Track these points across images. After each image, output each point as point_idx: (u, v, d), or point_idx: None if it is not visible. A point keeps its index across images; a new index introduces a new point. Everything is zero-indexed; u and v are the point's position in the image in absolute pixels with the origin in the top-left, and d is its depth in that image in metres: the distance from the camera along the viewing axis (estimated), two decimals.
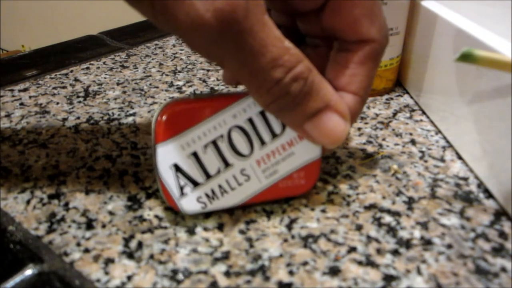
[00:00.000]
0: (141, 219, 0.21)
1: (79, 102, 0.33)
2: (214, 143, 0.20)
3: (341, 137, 0.19)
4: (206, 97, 0.20)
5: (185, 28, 0.16)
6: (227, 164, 0.20)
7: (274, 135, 0.20)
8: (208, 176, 0.20)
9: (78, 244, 0.20)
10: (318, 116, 0.19)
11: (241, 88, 0.34)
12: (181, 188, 0.20)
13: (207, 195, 0.20)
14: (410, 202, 0.22)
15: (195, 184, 0.20)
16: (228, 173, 0.20)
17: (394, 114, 0.31)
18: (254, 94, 0.18)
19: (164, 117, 0.19)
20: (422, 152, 0.26)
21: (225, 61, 0.17)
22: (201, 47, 0.17)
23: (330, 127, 0.19)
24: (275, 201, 0.22)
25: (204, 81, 0.37)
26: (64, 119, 0.30)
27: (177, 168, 0.19)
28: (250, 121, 0.20)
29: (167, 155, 0.19)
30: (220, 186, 0.20)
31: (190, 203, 0.20)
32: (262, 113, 0.20)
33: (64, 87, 0.36)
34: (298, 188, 0.21)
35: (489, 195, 0.22)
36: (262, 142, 0.20)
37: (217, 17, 0.15)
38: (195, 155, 0.20)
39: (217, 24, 0.16)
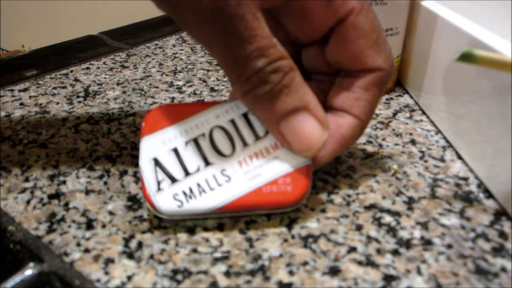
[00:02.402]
0: (141, 219, 0.21)
1: (79, 102, 0.33)
2: (195, 140, 0.20)
3: (316, 144, 0.19)
4: (191, 102, 0.21)
5: (180, 4, 0.16)
6: (207, 163, 0.20)
7: (257, 137, 0.20)
8: (187, 173, 0.20)
9: (78, 244, 0.20)
10: (294, 116, 0.19)
11: None
12: (159, 183, 0.19)
13: (184, 193, 0.19)
14: (410, 202, 0.22)
15: (173, 180, 0.19)
16: (208, 172, 0.20)
17: (394, 114, 0.31)
18: (234, 82, 0.18)
19: (150, 115, 0.20)
20: (422, 152, 0.26)
21: (213, 44, 0.17)
22: (193, 25, 0.17)
23: (306, 130, 0.19)
24: (263, 216, 0.21)
25: (204, 81, 0.37)
26: (64, 119, 0.30)
27: (157, 162, 0.20)
28: (233, 122, 0.20)
29: (148, 149, 0.20)
30: (198, 185, 0.20)
31: (166, 199, 0.19)
32: (245, 116, 0.20)
33: (64, 87, 0.36)
34: (284, 195, 0.20)
35: (489, 195, 0.22)
36: (245, 144, 0.20)
37: None
38: (175, 151, 0.20)
39: (211, 3, 0.16)
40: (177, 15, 0.17)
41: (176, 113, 0.20)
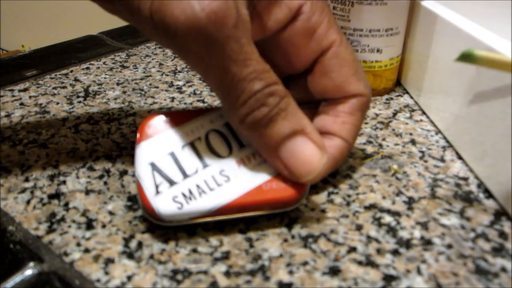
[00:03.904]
0: (141, 219, 0.21)
1: (79, 102, 0.33)
2: (191, 144, 0.20)
3: (317, 167, 0.19)
4: (186, 110, 0.21)
5: (179, 26, 0.16)
6: (205, 165, 0.20)
7: None
8: (185, 175, 0.19)
9: (78, 244, 0.20)
10: (293, 140, 0.19)
11: None
12: (157, 187, 0.19)
13: (183, 195, 0.19)
14: (410, 202, 0.22)
15: (172, 182, 0.19)
16: (207, 173, 0.20)
17: (394, 114, 0.31)
18: (231, 107, 0.18)
19: (145, 121, 0.21)
20: (422, 152, 0.26)
21: (210, 67, 0.18)
22: (189, 49, 0.17)
23: (306, 154, 0.19)
24: (263, 216, 0.21)
25: (204, 81, 0.36)
26: (64, 119, 0.30)
27: (154, 167, 0.20)
28: (227, 125, 0.21)
29: (145, 155, 0.20)
30: (198, 186, 0.19)
31: (165, 202, 0.19)
32: None
33: (64, 87, 0.36)
34: (285, 191, 0.19)
35: (489, 195, 0.22)
36: (241, 145, 0.20)
37: (210, 18, 0.16)
38: (172, 155, 0.20)
39: (209, 24, 0.16)
40: (173, 42, 0.17)
41: (171, 120, 0.21)
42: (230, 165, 0.20)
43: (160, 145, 0.20)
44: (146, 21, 0.17)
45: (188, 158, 0.20)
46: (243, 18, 0.17)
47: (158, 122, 0.21)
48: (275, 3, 0.20)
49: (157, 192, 0.19)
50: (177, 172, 0.20)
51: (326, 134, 0.22)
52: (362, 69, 0.22)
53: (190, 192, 0.19)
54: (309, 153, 0.19)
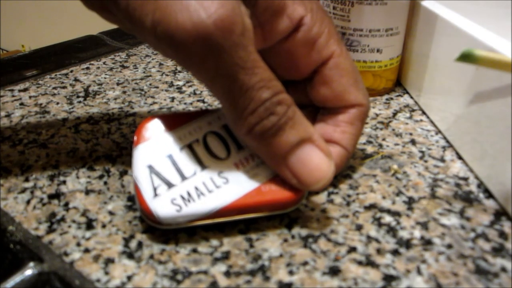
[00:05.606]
0: (141, 219, 0.21)
1: (79, 102, 0.33)
2: (189, 146, 0.20)
3: (326, 174, 0.19)
4: (183, 111, 0.21)
5: (184, 34, 0.16)
6: (203, 167, 0.20)
7: None
8: (183, 177, 0.19)
9: (78, 244, 0.20)
10: (301, 148, 0.19)
11: None
12: (155, 189, 0.19)
13: (182, 197, 0.19)
14: (410, 202, 0.22)
15: (170, 185, 0.19)
16: (205, 175, 0.20)
17: (394, 114, 0.31)
18: (238, 116, 0.18)
19: (143, 124, 0.20)
20: (422, 152, 0.26)
21: (216, 76, 0.17)
22: (195, 57, 0.17)
23: (315, 162, 0.19)
24: (262, 218, 0.21)
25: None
26: (64, 119, 0.30)
27: (152, 169, 0.19)
28: (225, 127, 0.21)
29: (142, 157, 0.20)
30: (196, 188, 0.19)
31: (163, 204, 0.19)
32: None
33: (64, 87, 0.36)
34: (284, 193, 0.19)
35: (489, 195, 0.22)
36: (239, 147, 0.20)
37: (217, 25, 0.16)
38: (170, 157, 0.20)
39: (216, 31, 0.16)
40: (177, 52, 0.17)
41: (169, 122, 0.21)
42: (228, 167, 0.20)
43: (158, 147, 0.20)
44: (148, 32, 0.17)
45: (186, 160, 0.20)
46: (248, 27, 0.17)
47: (156, 125, 0.21)
48: (277, 14, 0.20)
49: (155, 195, 0.19)
50: (175, 175, 0.19)
51: (326, 142, 0.22)
52: (361, 79, 0.22)
53: (189, 194, 0.19)
54: (318, 161, 0.19)
